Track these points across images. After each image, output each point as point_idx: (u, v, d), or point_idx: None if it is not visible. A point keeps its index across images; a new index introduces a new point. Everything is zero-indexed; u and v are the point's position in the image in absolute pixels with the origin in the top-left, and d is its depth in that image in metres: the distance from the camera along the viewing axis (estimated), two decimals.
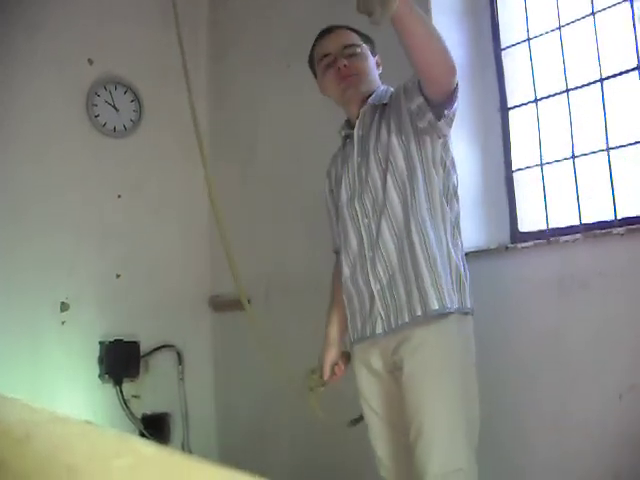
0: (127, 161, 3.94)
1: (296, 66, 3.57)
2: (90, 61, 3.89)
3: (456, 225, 2.05)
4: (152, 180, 4.01)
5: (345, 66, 2.08)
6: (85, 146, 3.83)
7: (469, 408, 1.93)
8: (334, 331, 2.24)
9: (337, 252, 2.27)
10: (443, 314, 1.94)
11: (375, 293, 2.01)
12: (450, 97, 1.88)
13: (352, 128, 2.14)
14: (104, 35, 3.90)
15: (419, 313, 1.94)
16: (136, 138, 3.98)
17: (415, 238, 1.95)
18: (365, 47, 2.14)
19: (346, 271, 2.12)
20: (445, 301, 1.93)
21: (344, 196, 2.11)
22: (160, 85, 4.06)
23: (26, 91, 3.67)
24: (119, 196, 3.91)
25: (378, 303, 2.01)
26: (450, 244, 1.99)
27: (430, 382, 1.91)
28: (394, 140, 1.99)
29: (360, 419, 2.18)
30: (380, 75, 2.18)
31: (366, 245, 2.03)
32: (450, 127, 1.99)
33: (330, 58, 2.11)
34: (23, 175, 3.63)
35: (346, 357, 2.21)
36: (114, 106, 3.94)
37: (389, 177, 1.99)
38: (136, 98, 3.99)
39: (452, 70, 1.82)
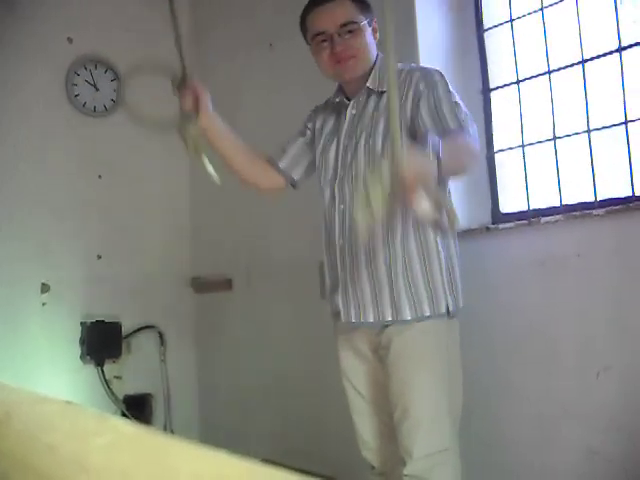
0: (108, 141, 3.91)
1: (278, 46, 3.55)
2: (70, 40, 3.84)
3: None
4: (133, 160, 3.99)
5: (342, 49, 1.96)
6: (65, 126, 3.80)
7: (453, 388, 1.94)
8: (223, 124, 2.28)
9: (268, 161, 2.30)
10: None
11: (339, 281, 1.99)
12: None
13: (346, 98, 2.07)
14: (84, 13, 3.85)
15: (389, 318, 1.91)
16: (117, 118, 3.94)
17: (397, 238, 1.91)
18: (363, 20, 1.97)
19: (325, 248, 2.08)
20: (423, 309, 1.90)
21: (328, 171, 2.05)
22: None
23: (5, 70, 3.63)
24: (100, 176, 3.88)
25: (340, 291, 1.99)
26: (440, 244, 1.93)
27: (417, 362, 1.90)
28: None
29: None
30: (377, 42, 2.04)
31: (337, 232, 1.99)
32: None
33: (325, 36, 1.98)
34: (2, 155, 3.59)
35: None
36: (94, 85, 3.90)
37: None
38: (116, 77, 3.96)
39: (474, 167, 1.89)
